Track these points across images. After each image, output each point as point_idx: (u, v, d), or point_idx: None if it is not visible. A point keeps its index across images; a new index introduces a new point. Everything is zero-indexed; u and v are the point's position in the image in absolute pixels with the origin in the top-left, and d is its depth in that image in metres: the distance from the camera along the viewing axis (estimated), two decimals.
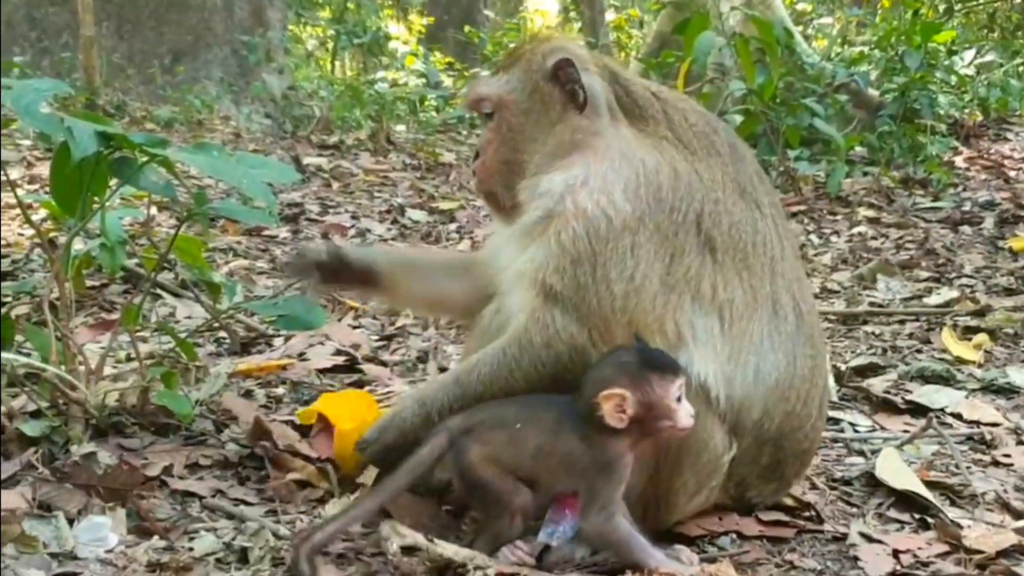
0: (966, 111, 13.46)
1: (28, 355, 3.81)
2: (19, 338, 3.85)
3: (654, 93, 3.49)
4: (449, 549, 2.89)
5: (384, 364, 5.02)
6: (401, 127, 15.72)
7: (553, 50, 3.42)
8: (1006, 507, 3.64)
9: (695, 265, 3.19)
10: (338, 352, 5.02)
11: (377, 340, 5.48)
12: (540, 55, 3.43)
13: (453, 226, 8.81)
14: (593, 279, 3.12)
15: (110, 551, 2.94)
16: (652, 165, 3.25)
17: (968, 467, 3.97)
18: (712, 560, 3.09)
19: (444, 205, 9.54)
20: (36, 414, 3.56)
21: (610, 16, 26.58)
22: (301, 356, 4.94)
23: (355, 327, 5.63)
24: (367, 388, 4.55)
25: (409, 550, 2.89)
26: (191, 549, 2.97)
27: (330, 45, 23.42)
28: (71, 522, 3.04)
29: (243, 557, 2.96)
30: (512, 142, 3.43)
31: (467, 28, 23.58)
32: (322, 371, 4.74)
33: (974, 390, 4.92)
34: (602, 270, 3.12)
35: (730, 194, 3.32)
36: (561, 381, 3.12)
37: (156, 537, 3.05)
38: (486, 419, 3.03)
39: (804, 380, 3.33)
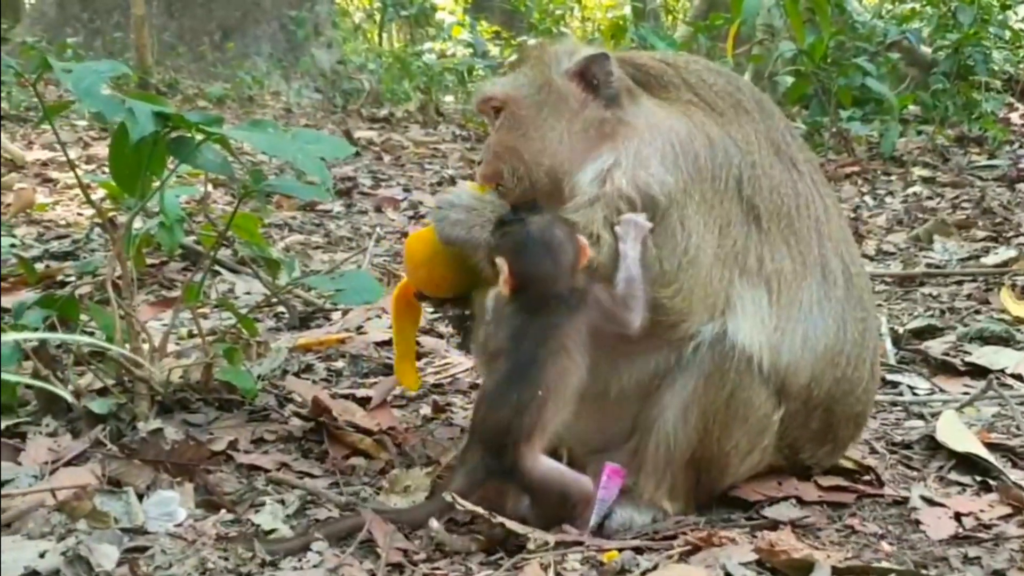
0: (1021, 66, 13.25)
1: (92, 334, 3.89)
2: (84, 317, 3.92)
3: (663, 60, 3.45)
4: (509, 522, 2.93)
5: (440, 336, 5.06)
6: (449, 98, 15.75)
7: (573, 49, 3.39)
8: None
9: (741, 237, 3.17)
10: None
11: (432, 312, 5.51)
12: (554, 54, 3.38)
13: None
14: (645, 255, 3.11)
15: (179, 525, 3.00)
16: (684, 132, 3.22)
17: None
18: (772, 527, 3.09)
19: None
20: (103, 392, 3.63)
21: None
22: (359, 329, 4.99)
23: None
24: (423, 361, 4.60)
25: (460, 528, 2.92)
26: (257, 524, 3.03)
27: (377, 17, 23.41)
28: (140, 497, 3.10)
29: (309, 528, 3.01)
30: (521, 130, 3.34)
31: None
32: (379, 344, 4.78)
33: None
34: (654, 246, 3.10)
35: (766, 154, 3.29)
36: (628, 344, 3.14)
37: (223, 510, 3.10)
38: (505, 414, 2.97)
39: (855, 344, 3.31)
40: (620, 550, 2.91)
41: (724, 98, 3.35)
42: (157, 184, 3.59)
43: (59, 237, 6.61)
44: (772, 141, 3.34)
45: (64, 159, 3.68)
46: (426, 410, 4.07)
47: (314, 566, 2.76)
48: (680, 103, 3.32)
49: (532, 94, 3.35)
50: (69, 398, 3.41)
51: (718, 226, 3.14)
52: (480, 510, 2.92)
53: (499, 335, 3.10)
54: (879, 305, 5.49)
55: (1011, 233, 7.28)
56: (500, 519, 2.92)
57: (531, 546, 2.88)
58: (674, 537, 3.03)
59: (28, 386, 3.60)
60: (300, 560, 2.79)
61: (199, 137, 3.43)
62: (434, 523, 2.92)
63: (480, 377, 3.18)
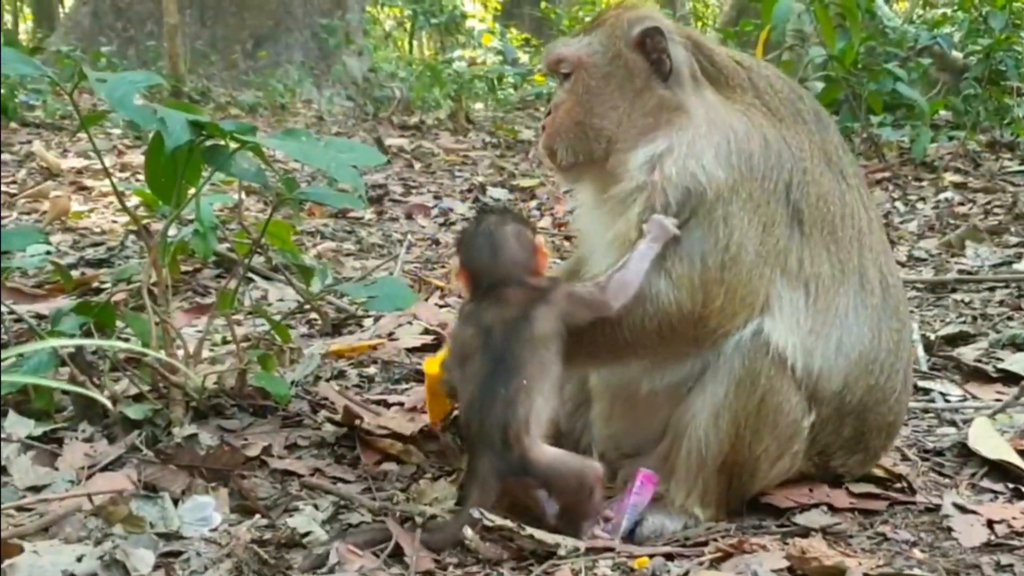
0: None
1: (128, 340, 3.93)
2: (119, 324, 3.96)
3: (738, 61, 3.44)
4: (538, 532, 2.93)
5: None
6: (479, 105, 15.80)
7: (640, 18, 3.36)
8: None
9: (784, 238, 3.18)
10: (426, 331, 5.08)
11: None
12: (625, 22, 3.37)
13: (533, 203, 8.84)
14: (688, 248, 3.12)
15: (214, 529, 3.04)
16: (742, 131, 3.22)
17: None
18: (803, 534, 3.09)
19: (524, 182, 9.58)
20: (138, 397, 3.66)
21: None
22: (391, 336, 5.02)
23: (442, 306, 5.70)
24: None
25: (492, 534, 2.93)
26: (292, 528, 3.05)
27: (408, 25, 23.50)
28: (176, 502, 3.14)
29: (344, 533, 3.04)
30: (588, 104, 3.36)
31: (543, 4, 23.53)
32: (411, 350, 4.81)
33: None
34: (696, 240, 3.12)
35: (817, 163, 3.29)
36: (669, 343, 3.17)
37: (258, 515, 3.13)
38: (497, 410, 2.99)
39: (889, 353, 3.31)
40: (651, 556, 2.92)
41: (786, 105, 3.36)
42: (192, 192, 3.63)
43: (94, 244, 6.67)
44: (825, 152, 3.34)
45: (99, 167, 3.72)
46: None
47: (345, 573, 2.78)
48: (743, 103, 3.32)
49: (603, 64, 3.36)
50: (107, 403, 3.46)
51: (762, 224, 3.15)
52: (509, 523, 2.93)
53: (467, 333, 3.13)
54: (911, 311, 5.47)
55: None
56: (529, 530, 2.92)
57: (562, 552, 2.90)
58: (705, 544, 3.03)
59: (65, 392, 3.64)
60: (332, 567, 2.81)
61: (233, 145, 3.46)
62: (468, 531, 2.92)
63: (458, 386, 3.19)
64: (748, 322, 3.14)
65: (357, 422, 3.69)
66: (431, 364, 3.57)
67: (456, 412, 3.55)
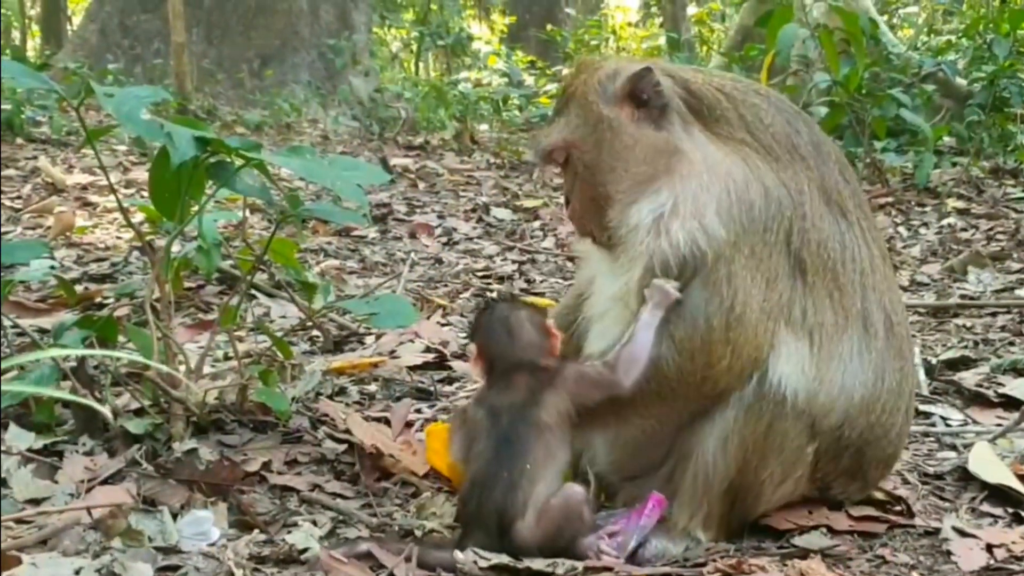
0: None
1: (131, 355, 3.93)
2: (122, 338, 3.97)
3: (718, 88, 3.34)
4: (535, 563, 2.91)
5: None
6: (485, 126, 15.85)
7: (615, 71, 3.30)
8: None
9: (787, 291, 3.15)
10: (427, 349, 5.10)
11: (465, 337, 5.55)
12: (596, 83, 3.29)
13: (537, 224, 8.86)
14: (691, 310, 3.09)
15: (212, 544, 3.03)
16: (742, 181, 3.16)
17: None
18: (802, 556, 3.09)
19: (528, 203, 9.60)
20: (139, 412, 3.66)
21: (692, 10, 26.42)
22: (392, 354, 5.03)
23: (443, 324, 5.71)
24: (455, 385, 4.64)
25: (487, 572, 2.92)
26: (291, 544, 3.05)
27: (414, 47, 23.62)
28: (175, 516, 3.14)
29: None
30: (592, 178, 3.29)
31: (549, 26, 23.62)
32: (412, 368, 4.82)
33: None
34: (700, 301, 3.09)
35: (817, 206, 3.23)
36: (672, 404, 3.17)
37: (256, 531, 3.12)
38: (497, 494, 2.99)
39: (891, 393, 3.30)
40: None
41: (780, 141, 3.27)
42: (196, 208, 3.64)
43: (98, 260, 6.70)
44: (824, 190, 3.27)
45: (104, 183, 3.74)
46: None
47: None
48: (735, 141, 3.24)
49: (589, 135, 3.28)
50: (108, 416, 3.46)
51: (765, 280, 3.12)
52: (504, 558, 2.91)
53: (477, 414, 3.13)
54: (912, 336, 5.47)
55: None
56: (525, 563, 2.91)
57: (560, 571, 2.89)
58: (704, 564, 3.03)
59: (65, 405, 3.65)
60: None
61: (238, 162, 3.48)
62: (459, 555, 2.92)
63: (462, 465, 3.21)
64: (751, 374, 3.13)
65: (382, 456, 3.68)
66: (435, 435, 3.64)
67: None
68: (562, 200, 3.54)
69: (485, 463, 3.03)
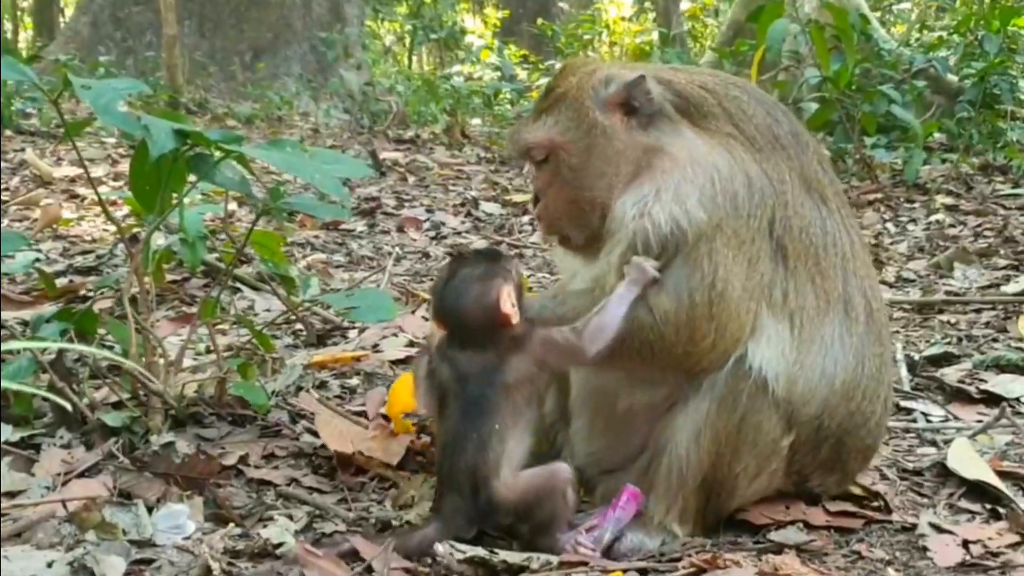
0: None
1: (111, 348, 3.93)
2: (101, 331, 3.96)
3: (702, 86, 3.36)
4: (511, 555, 2.93)
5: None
6: (476, 121, 15.83)
7: (610, 77, 3.31)
8: None
9: (768, 272, 3.17)
10: (411, 343, 5.08)
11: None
12: (591, 88, 3.30)
13: (526, 218, 8.85)
14: (674, 284, 3.11)
15: (187, 538, 3.03)
16: (726, 170, 3.19)
17: None
18: (777, 551, 3.09)
19: (517, 198, 9.58)
20: (117, 405, 3.66)
21: (684, 5, 26.39)
22: (375, 347, 5.02)
23: (427, 318, 5.70)
24: None
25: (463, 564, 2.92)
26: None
27: (407, 40, 23.60)
28: (150, 510, 3.14)
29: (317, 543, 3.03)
30: (576, 181, 3.30)
31: (541, 21, 23.61)
32: (395, 362, 4.81)
33: None
34: (682, 276, 3.11)
35: (798, 193, 3.27)
36: (648, 366, 3.19)
37: (232, 524, 3.13)
38: (468, 455, 3.01)
39: (871, 379, 3.32)
40: (625, 571, 2.92)
41: (762, 132, 3.30)
42: (177, 201, 3.63)
43: (84, 252, 6.68)
44: (805, 178, 3.31)
45: (91, 175, 3.72)
46: None
47: None
48: (721, 135, 3.27)
49: (581, 138, 3.28)
50: (85, 410, 3.46)
51: (747, 260, 3.14)
52: (480, 551, 2.92)
53: (443, 372, 3.13)
54: (896, 332, 5.48)
55: None
56: (501, 555, 2.92)
57: (534, 565, 2.89)
58: (679, 559, 3.03)
59: (44, 398, 3.64)
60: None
61: (218, 155, 3.47)
62: (439, 548, 2.92)
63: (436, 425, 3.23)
64: (734, 355, 3.15)
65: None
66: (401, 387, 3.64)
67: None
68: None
69: (454, 426, 3.05)
